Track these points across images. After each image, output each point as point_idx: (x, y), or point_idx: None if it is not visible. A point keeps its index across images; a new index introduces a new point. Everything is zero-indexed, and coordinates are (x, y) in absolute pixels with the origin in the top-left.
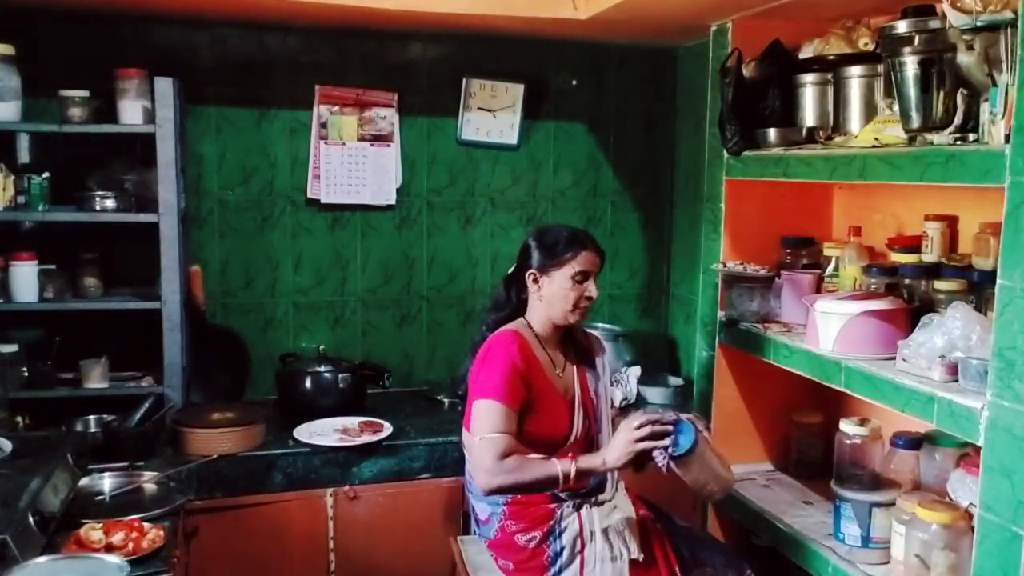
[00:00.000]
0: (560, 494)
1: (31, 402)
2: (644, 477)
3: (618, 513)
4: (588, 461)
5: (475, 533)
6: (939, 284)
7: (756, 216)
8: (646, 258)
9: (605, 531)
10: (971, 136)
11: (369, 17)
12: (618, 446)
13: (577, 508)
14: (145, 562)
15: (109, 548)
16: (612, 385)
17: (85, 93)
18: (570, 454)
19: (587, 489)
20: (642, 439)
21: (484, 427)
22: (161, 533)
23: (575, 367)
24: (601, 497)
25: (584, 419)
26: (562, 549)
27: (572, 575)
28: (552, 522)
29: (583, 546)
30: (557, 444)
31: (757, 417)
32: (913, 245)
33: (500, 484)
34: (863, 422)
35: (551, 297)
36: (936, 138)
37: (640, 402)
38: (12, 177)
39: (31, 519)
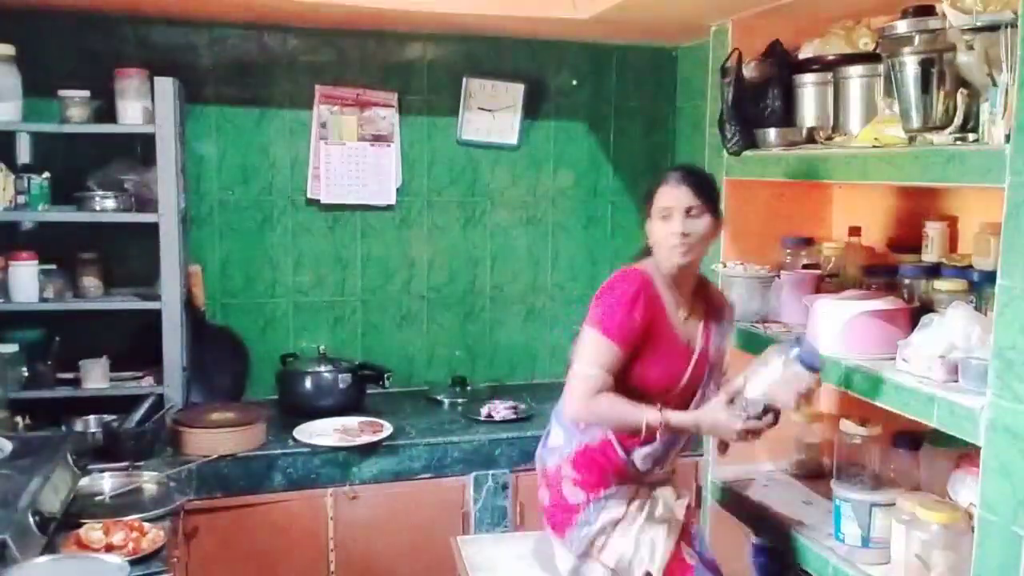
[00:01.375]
0: (629, 465)
1: (31, 402)
2: None
3: (662, 507)
4: (680, 419)
5: (541, 447)
6: (939, 284)
7: (756, 216)
8: None
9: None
10: (971, 136)
11: (369, 17)
12: (719, 427)
13: (631, 496)
14: (145, 562)
15: (109, 548)
16: None
17: (85, 93)
18: (658, 405)
19: (649, 473)
20: (743, 437)
21: (585, 358)
22: (161, 533)
23: (702, 320)
24: (653, 477)
25: (695, 371)
26: (596, 520)
27: (598, 543)
28: (603, 494)
29: (614, 528)
30: (667, 389)
31: None
32: (913, 245)
33: (586, 419)
34: (863, 422)
35: (653, 240)
36: (936, 138)
37: None
38: (12, 177)
39: (31, 519)
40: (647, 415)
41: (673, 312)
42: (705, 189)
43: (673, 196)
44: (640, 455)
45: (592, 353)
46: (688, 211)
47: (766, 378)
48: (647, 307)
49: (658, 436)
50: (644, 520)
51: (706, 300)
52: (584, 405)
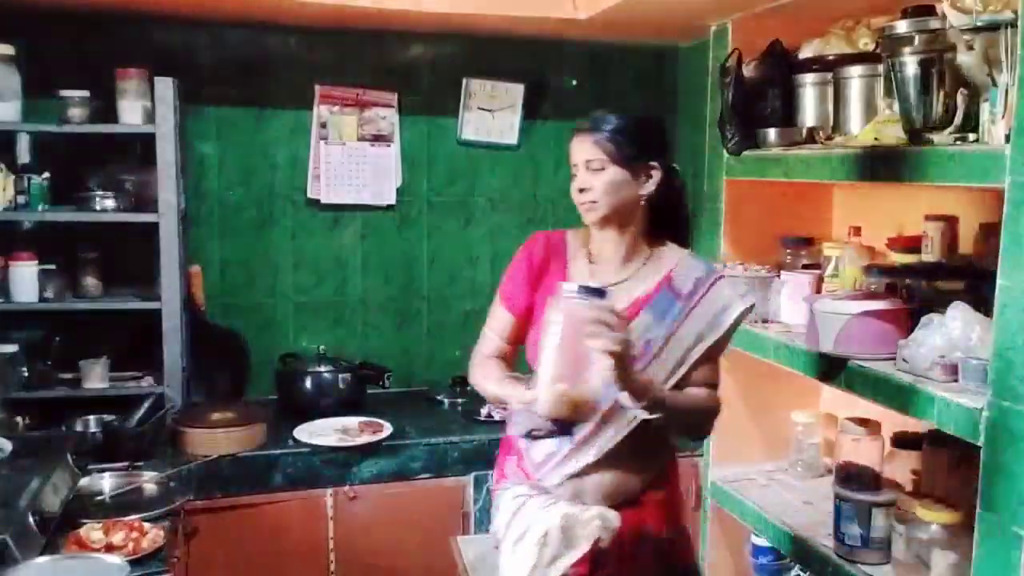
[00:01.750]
0: (528, 463)
1: (31, 402)
2: None
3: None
4: (515, 391)
5: None
6: (939, 284)
7: (756, 216)
8: None
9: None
10: (971, 136)
11: (369, 17)
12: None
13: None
14: (145, 562)
15: (109, 548)
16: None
17: (85, 93)
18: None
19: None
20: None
21: (487, 322)
22: (161, 533)
23: (635, 294)
24: (566, 492)
25: None
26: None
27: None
28: (499, 487)
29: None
30: None
31: (757, 417)
32: (913, 245)
33: (473, 384)
34: (863, 422)
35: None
36: (936, 138)
37: None
38: (12, 177)
39: (31, 519)
40: (512, 392)
41: (581, 274)
42: (612, 138)
43: (573, 149)
44: (539, 451)
45: (489, 315)
46: (587, 164)
47: (551, 341)
48: (540, 268)
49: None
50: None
51: (656, 272)
52: (471, 368)
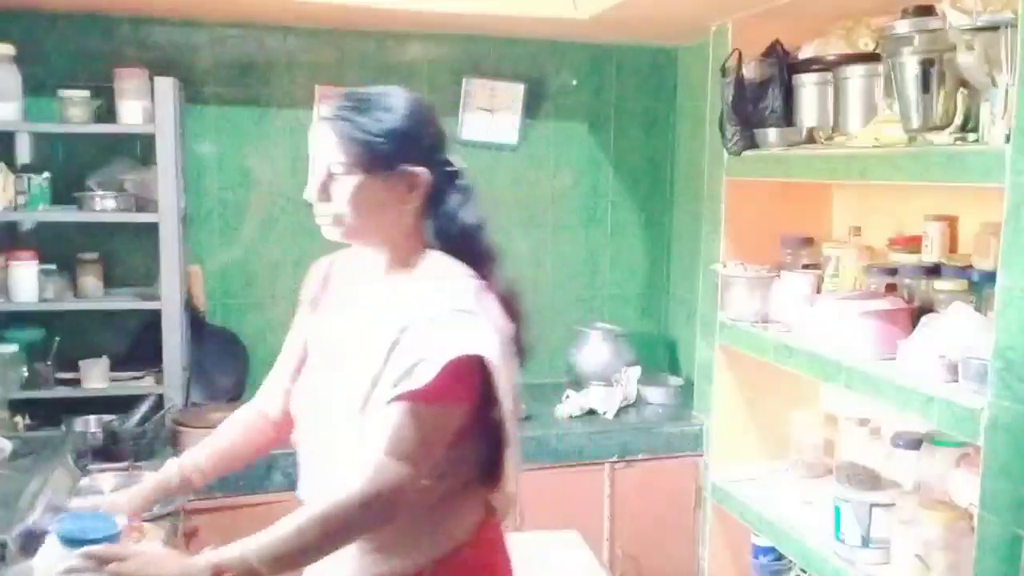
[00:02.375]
0: None
1: (31, 402)
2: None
3: None
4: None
5: None
6: (939, 284)
7: (756, 216)
8: (646, 258)
9: None
10: (971, 136)
11: (369, 17)
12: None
13: None
14: None
15: None
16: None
17: (85, 93)
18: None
19: None
20: None
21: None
22: (161, 533)
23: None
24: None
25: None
26: None
27: None
28: None
29: None
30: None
31: (757, 417)
32: (913, 245)
33: None
34: (863, 422)
35: None
36: (936, 138)
37: (639, 403)
38: (12, 177)
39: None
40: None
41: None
42: (358, 136)
43: (311, 139)
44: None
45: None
46: (323, 166)
47: None
48: (317, 295)
49: None
50: None
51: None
52: None
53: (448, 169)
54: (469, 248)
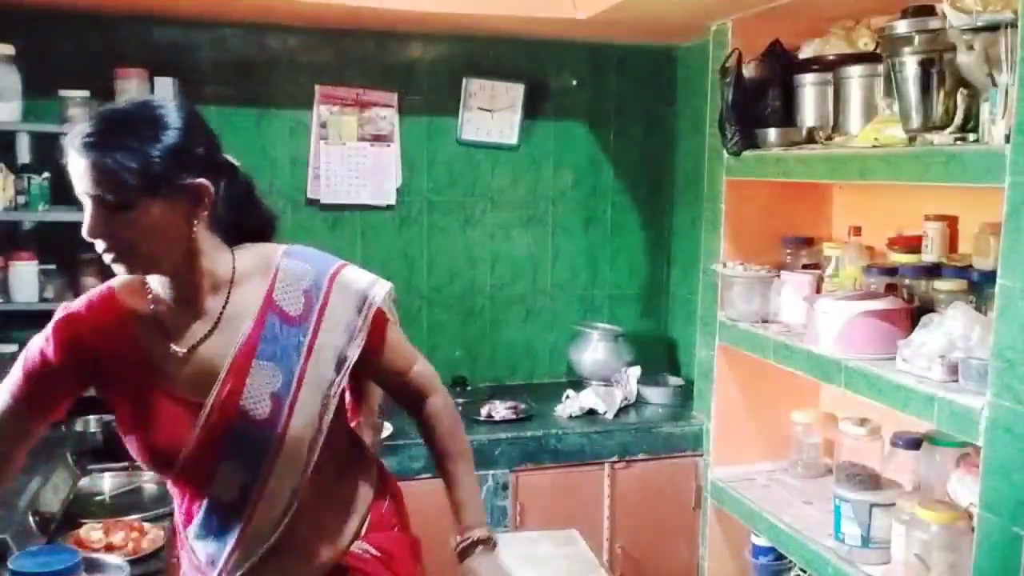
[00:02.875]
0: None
1: None
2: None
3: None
4: None
5: None
6: (939, 284)
7: (756, 216)
8: (646, 258)
9: None
10: (971, 136)
11: (369, 17)
12: None
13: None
14: (145, 562)
15: (109, 548)
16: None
17: (85, 93)
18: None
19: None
20: None
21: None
22: (161, 533)
23: (228, 343)
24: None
25: (207, 433)
26: None
27: None
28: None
29: None
30: (164, 464)
31: (757, 417)
32: (913, 245)
33: None
34: (863, 422)
35: None
36: (936, 138)
37: (639, 403)
38: (12, 177)
39: (31, 519)
40: None
41: (157, 344)
42: (122, 163)
43: (72, 171)
44: (202, 552)
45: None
46: (95, 200)
47: None
48: (84, 364)
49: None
50: None
51: (251, 299)
52: None
53: (229, 168)
54: (270, 233)
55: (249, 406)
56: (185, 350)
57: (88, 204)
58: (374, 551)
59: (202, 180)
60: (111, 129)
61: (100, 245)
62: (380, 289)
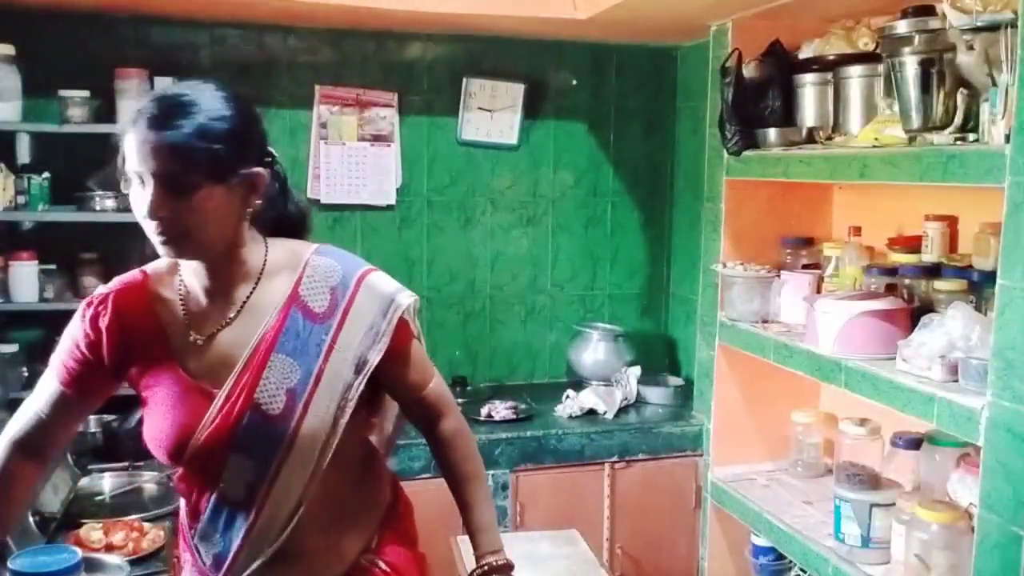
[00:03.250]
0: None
1: None
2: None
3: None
4: None
5: None
6: (939, 284)
7: (756, 216)
8: (646, 258)
9: None
10: (971, 136)
11: (369, 17)
12: None
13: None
14: (145, 562)
15: (109, 548)
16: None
17: (85, 93)
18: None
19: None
20: None
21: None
22: (161, 533)
23: (248, 333)
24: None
25: (218, 427)
26: None
27: None
28: None
29: None
30: (171, 455)
31: (757, 417)
32: (913, 245)
33: None
34: (863, 422)
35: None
36: (936, 138)
37: (639, 403)
38: (12, 177)
39: (31, 519)
40: None
41: (178, 331)
42: (198, 144)
43: (131, 149)
44: (207, 552)
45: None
46: (160, 179)
47: None
48: (117, 349)
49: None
50: None
51: (276, 292)
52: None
53: (273, 160)
54: (303, 227)
55: (264, 399)
56: (204, 338)
57: (149, 184)
58: (383, 565)
59: (259, 169)
60: (183, 109)
61: (153, 227)
62: (406, 297)
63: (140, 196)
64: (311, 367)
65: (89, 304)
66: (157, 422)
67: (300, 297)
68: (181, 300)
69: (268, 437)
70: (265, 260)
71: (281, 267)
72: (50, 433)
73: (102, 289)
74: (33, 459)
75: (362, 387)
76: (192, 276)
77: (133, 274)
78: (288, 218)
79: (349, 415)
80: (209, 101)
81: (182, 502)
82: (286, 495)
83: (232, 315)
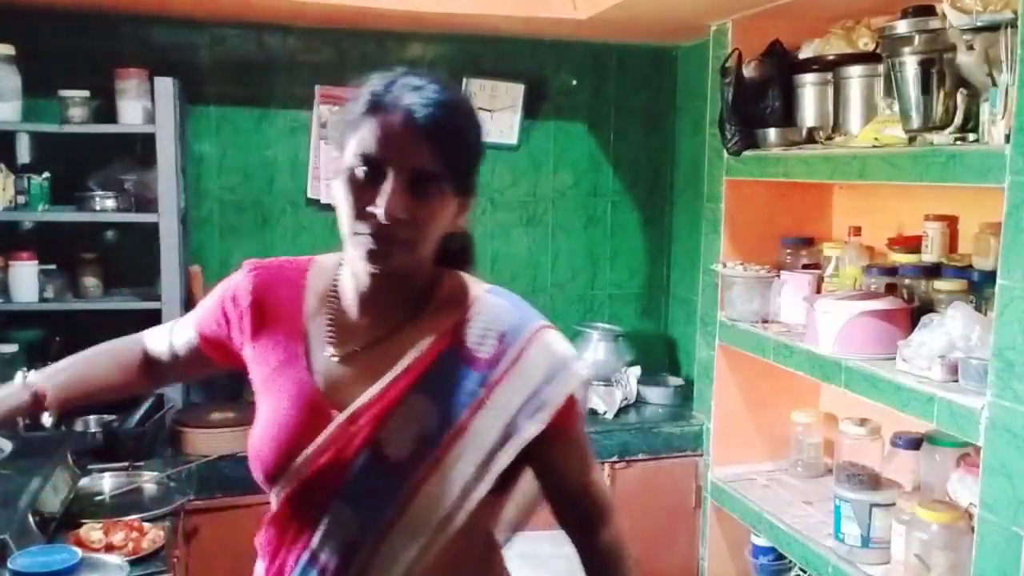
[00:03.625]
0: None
1: None
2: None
3: None
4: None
5: None
6: (939, 284)
7: (756, 216)
8: (646, 258)
9: None
10: (971, 136)
11: (369, 17)
12: None
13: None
14: (145, 562)
15: (109, 548)
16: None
17: (85, 93)
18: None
19: None
20: None
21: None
22: (161, 533)
23: (387, 361)
24: None
25: (327, 446)
26: None
27: None
28: None
29: None
30: (266, 470)
31: (757, 417)
32: (913, 245)
33: None
34: (863, 422)
35: (338, 213)
36: (936, 138)
37: (639, 403)
38: (12, 177)
39: (31, 519)
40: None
41: (317, 336)
42: (459, 147)
43: (391, 132)
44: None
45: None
46: (413, 173)
47: None
48: (254, 320)
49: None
50: None
51: (434, 325)
52: None
53: None
54: (466, 258)
55: (386, 439)
56: (343, 354)
57: (391, 179)
58: None
59: (475, 188)
60: (456, 109)
61: (372, 229)
62: (583, 368)
63: (364, 190)
64: (453, 418)
65: (251, 269)
66: (265, 429)
67: (462, 336)
68: (331, 303)
69: (381, 489)
70: (435, 287)
71: (448, 299)
72: (165, 363)
73: (269, 259)
74: (143, 373)
75: (506, 462)
76: (350, 281)
77: (301, 258)
78: (452, 245)
79: (483, 492)
80: (466, 99)
81: (258, 566)
82: (387, 570)
83: (380, 335)
